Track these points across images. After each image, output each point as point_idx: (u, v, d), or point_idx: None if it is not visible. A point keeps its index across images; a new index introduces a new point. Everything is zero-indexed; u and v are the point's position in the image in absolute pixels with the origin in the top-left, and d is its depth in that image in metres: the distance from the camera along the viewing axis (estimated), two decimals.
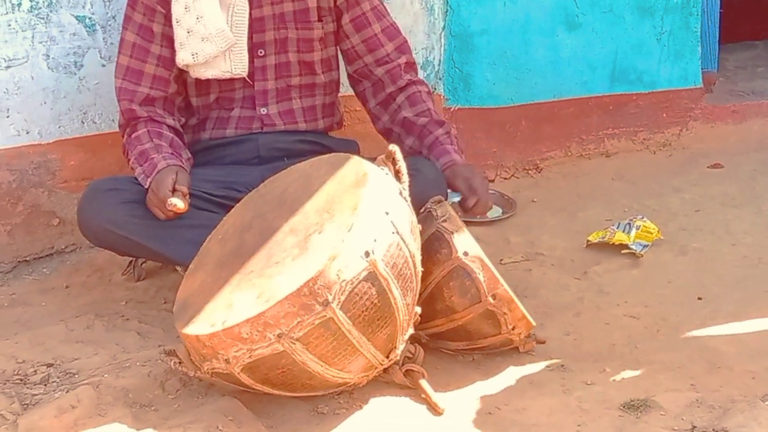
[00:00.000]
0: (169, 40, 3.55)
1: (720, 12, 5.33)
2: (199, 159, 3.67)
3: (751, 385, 3.10)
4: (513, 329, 3.18)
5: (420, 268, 2.97)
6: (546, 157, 4.96)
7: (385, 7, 3.75)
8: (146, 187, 3.38)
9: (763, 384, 3.10)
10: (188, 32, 3.49)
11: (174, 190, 3.28)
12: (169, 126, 3.56)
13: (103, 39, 3.92)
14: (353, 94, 3.85)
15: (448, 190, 3.62)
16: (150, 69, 3.56)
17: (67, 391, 3.06)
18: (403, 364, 3.06)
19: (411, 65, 3.76)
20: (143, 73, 3.56)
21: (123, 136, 3.59)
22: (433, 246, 3.15)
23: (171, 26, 3.53)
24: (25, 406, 3.01)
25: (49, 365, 3.23)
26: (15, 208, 3.91)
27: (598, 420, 2.94)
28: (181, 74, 3.62)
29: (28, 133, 3.87)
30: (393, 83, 3.71)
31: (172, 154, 3.45)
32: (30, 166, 3.90)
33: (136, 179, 3.43)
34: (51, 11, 3.81)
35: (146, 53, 3.56)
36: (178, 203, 3.22)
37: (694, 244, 4.11)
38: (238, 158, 3.68)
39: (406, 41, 3.77)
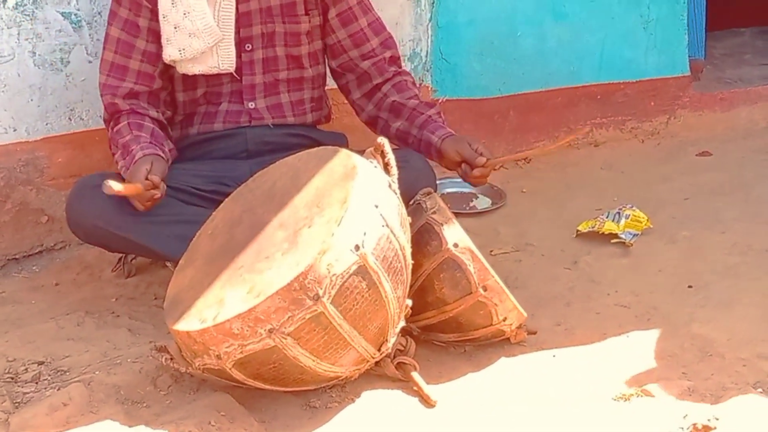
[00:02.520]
0: (155, 35, 3.54)
1: None
2: (187, 154, 3.67)
3: (742, 372, 3.11)
4: (504, 320, 3.18)
5: (410, 261, 2.97)
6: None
7: (369, 1, 3.74)
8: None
9: (754, 371, 3.11)
10: (175, 28, 3.48)
11: (146, 180, 3.26)
12: (152, 118, 3.54)
13: (89, 35, 3.90)
14: None
15: (438, 181, 3.63)
16: (134, 64, 3.55)
17: (59, 389, 3.06)
18: (394, 357, 3.06)
19: (395, 59, 3.75)
20: (128, 68, 3.55)
21: (108, 131, 3.58)
22: (423, 238, 3.15)
23: (157, 21, 3.51)
24: (17, 404, 3.01)
25: (40, 363, 3.22)
26: (3, 206, 3.90)
27: (591, 410, 2.94)
28: (167, 69, 3.61)
29: (15, 130, 3.86)
30: (380, 75, 3.71)
31: (150, 143, 3.42)
32: (18, 164, 3.89)
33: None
34: (36, 8, 3.79)
35: (131, 48, 3.55)
36: (114, 185, 3.13)
37: (684, 233, 4.11)
38: (227, 153, 3.68)
39: (391, 36, 3.76)
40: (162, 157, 3.38)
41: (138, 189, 3.22)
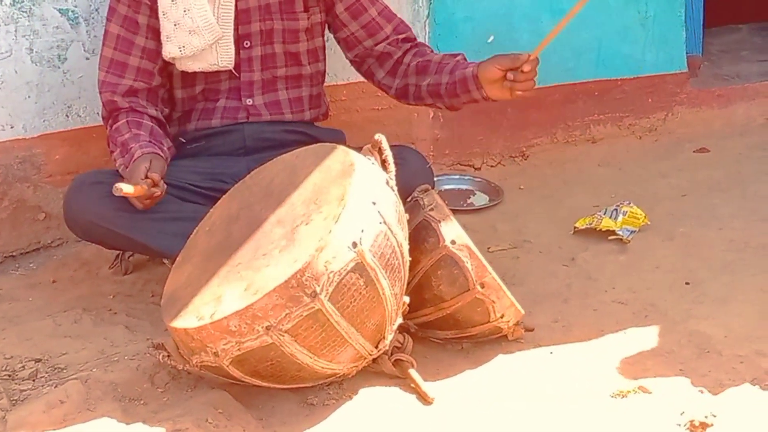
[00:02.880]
0: (154, 32, 3.54)
1: None
2: (185, 150, 3.67)
3: (739, 369, 3.11)
4: (501, 317, 3.18)
5: (408, 258, 2.97)
6: (532, 144, 4.96)
7: None
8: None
9: (751, 367, 3.11)
10: (175, 25, 3.48)
11: (146, 178, 3.25)
12: (150, 116, 3.54)
13: (87, 32, 3.90)
14: (339, 83, 3.84)
15: (435, 178, 3.61)
16: (134, 61, 3.55)
17: (56, 386, 3.06)
18: (392, 354, 3.06)
19: (411, 39, 3.75)
20: (127, 65, 3.54)
21: (107, 129, 3.58)
22: (421, 235, 3.15)
23: (156, 18, 3.51)
24: (14, 401, 3.01)
25: (37, 360, 3.22)
26: (0, 203, 3.90)
27: (588, 406, 2.95)
28: (166, 66, 3.61)
29: (12, 127, 3.86)
30: (399, 50, 3.69)
31: (149, 142, 3.42)
32: (15, 161, 3.89)
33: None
34: (33, 4, 3.79)
35: (131, 45, 3.55)
36: (124, 187, 3.14)
37: (681, 229, 4.11)
38: (224, 149, 3.68)
39: (402, 21, 3.76)
40: (161, 156, 3.38)
41: (144, 190, 3.21)
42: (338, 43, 3.78)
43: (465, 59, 3.63)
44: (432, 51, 3.74)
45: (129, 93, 3.53)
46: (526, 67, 3.40)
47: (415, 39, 3.77)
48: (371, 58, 3.74)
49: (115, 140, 3.47)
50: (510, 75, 3.43)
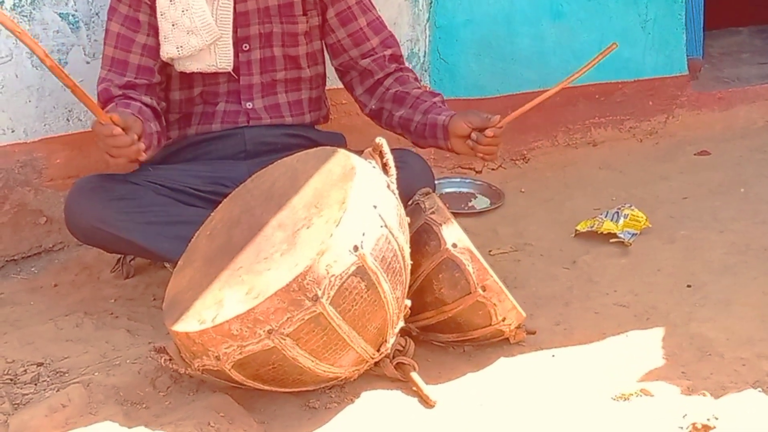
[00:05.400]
0: (155, 30, 3.54)
1: None
2: (185, 155, 3.67)
3: (741, 371, 3.11)
4: (503, 320, 3.18)
5: (409, 261, 2.97)
6: (533, 147, 4.96)
7: (370, 1, 3.74)
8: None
9: (753, 370, 3.11)
10: (173, 25, 3.48)
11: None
12: (144, 103, 3.50)
13: (87, 36, 3.90)
14: (340, 87, 3.84)
15: (436, 181, 3.62)
16: (134, 59, 3.54)
17: (58, 390, 3.05)
18: (393, 357, 3.06)
19: (397, 57, 3.75)
20: (128, 63, 3.54)
21: None
22: (422, 238, 3.15)
23: (156, 17, 3.51)
24: (16, 405, 3.00)
25: (39, 364, 3.22)
26: (1, 207, 3.89)
27: (590, 409, 2.94)
28: (166, 66, 3.61)
29: (13, 131, 3.86)
30: (381, 70, 3.70)
31: (131, 113, 3.34)
32: (16, 165, 3.89)
33: (124, 176, 3.42)
34: (34, 9, 3.79)
35: (131, 43, 3.54)
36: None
37: (682, 232, 4.12)
38: (225, 153, 3.68)
39: (392, 35, 3.76)
40: (134, 115, 3.32)
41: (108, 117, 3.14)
42: (326, 49, 3.78)
43: (443, 102, 3.65)
44: (415, 79, 3.76)
45: (126, 87, 3.52)
46: (489, 132, 3.43)
47: (400, 57, 3.78)
48: (354, 71, 3.74)
49: None
50: (474, 135, 3.47)
